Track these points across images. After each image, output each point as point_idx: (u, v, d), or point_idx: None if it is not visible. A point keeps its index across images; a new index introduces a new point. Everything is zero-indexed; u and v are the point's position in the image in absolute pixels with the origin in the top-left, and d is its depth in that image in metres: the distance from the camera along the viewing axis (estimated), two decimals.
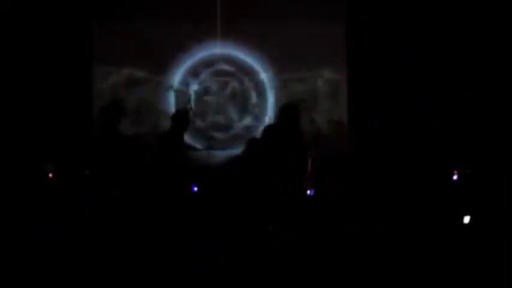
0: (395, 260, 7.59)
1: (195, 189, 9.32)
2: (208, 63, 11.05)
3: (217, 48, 11.02)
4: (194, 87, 11.02)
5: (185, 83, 11.02)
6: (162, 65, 11.00)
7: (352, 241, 8.22)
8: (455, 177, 9.86)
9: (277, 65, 11.03)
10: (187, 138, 10.66)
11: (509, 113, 10.38)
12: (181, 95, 11.00)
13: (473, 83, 10.58)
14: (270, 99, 11.06)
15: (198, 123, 11.02)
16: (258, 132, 10.15)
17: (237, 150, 10.21)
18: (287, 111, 9.35)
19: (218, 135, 11.07)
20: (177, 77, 11.02)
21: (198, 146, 10.94)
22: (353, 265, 7.49)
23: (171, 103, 11.01)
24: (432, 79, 10.63)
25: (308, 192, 9.18)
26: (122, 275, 7.22)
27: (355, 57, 10.94)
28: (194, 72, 11.03)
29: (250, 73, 11.08)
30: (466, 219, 8.56)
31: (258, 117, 11.04)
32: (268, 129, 9.41)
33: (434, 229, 8.54)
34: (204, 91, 11.09)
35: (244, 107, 11.13)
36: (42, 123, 10.45)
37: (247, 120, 11.09)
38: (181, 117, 9.61)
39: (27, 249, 7.78)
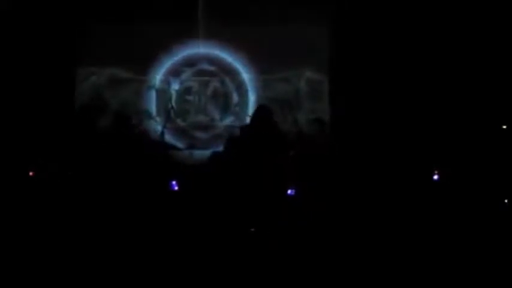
0: (376, 258, 7.60)
1: (176, 188, 9.32)
2: (189, 62, 11.06)
3: (199, 48, 11.02)
4: (175, 87, 11.01)
5: (167, 83, 11.00)
6: (144, 64, 10.99)
7: (334, 240, 8.23)
8: (435, 176, 9.90)
9: (258, 65, 11.04)
10: (169, 138, 10.71)
11: (492, 112, 10.42)
12: (163, 94, 11.00)
13: (456, 81, 10.61)
14: (252, 99, 11.06)
15: (180, 122, 11.02)
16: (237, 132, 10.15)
17: (219, 150, 10.21)
18: (259, 113, 9.39)
19: (200, 134, 11.06)
20: (158, 77, 11.01)
21: (179, 145, 10.93)
22: (334, 263, 7.50)
23: (152, 102, 11.00)
24: (414, 79, 10.65)
25: (289, 191, 9.19)
26: (105, 274, 7.20)
27: (336, 57, 10.96)
28: (176, 72, 11.03)
29: (231, 73, 11.09)
30: None
31: (240, 117, 11.02)
32: (244, 129, 9.45)
33: (414, 228, 8.57)
34: (186, 90, 11.09)
35: (225, 107, 11.12)
36: (25, 122, 10.39)
37: (229, 120, 11.08)
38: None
39: (9, 247, 7.76)
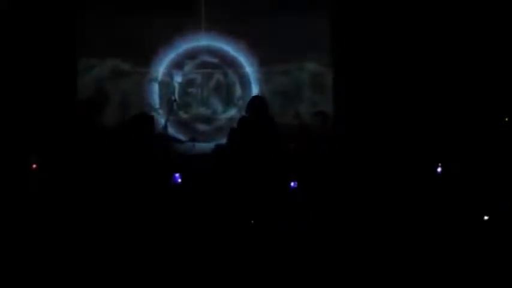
0: (377, 257, 7.58)
1: (179, 180, 9.30)
2: (192, 55, 11.05)
3: (202, 40, 11.01)
4: (178, 79, 11.00)
5: (169, 75, 11.00)
6: (146, 56, 10.99)
7: (335, 235, 8.22)
8: (439, 169, 9.89)
9: (261, 57, 11.03)
10: (172, 130, 10.70)
11: (495, 105, 10.43)
12: (165, 86, 10.98)
13: (458, 75, 10.61)
14: (254, 91, 11.04)
15: (182, 115, 11.01)
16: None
17: (221, 142, 10.20)
18: (252, 104, 9.43)
19: (202, 127, 11.07)
20: (161, 69, 11.00)
21: (182, 137, 10.93)
22: (334, 263, 7.48)
23: (155, 95, 11.00)
24: (417, 71, 10.65)
25: (292, 184, 9.18)
26: (103, 271, 7.19)
27: (339, 49, 10.96)
28: (178, 64, 11.03)
29: (234, 65, 11.08)
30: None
31: (242, 110, 10.95)
32: (240, 121, 9.45)
33: (418, 222, 8.55)
34: (188, 83, 11.08)
35: (228, 99, 11.13)
36: (27, 114, 10.39)
37: (231, 113, 11.08)
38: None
39: (9, 241, 7.74)
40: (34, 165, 9.04)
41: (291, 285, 6.97)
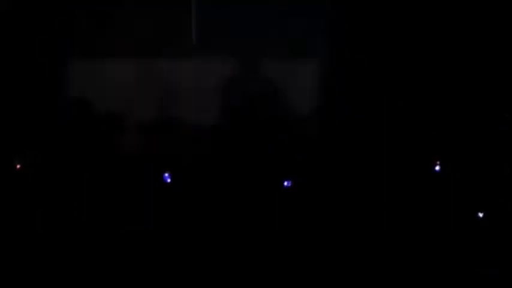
0: (376, 252, 7.55)
1: (168, 180, 9.28)
2: None
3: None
4: None
5: None
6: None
7: (333, 234, 8.18)
8: (437, 167, 9.80)
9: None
10: None
11: (494, 101, 10.34)
12: None
13: (457, 72, 10.52)
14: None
15: None
16: None
17: None
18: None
19: None
20: None
21: None
22: (335, 263, 7.45)
23: None
24: (415, 65, 10.56)
25: (285, 183, 9.08)
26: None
27: (338, 47, 10.86)
28: None
29: None
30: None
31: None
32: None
33: (417, 220, 8.52)
34: None
35: None
36: (10, 112, 10.33)
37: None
38: None
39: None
40: (18, 166, 9.08)
41: (291, 285, 6.98)
